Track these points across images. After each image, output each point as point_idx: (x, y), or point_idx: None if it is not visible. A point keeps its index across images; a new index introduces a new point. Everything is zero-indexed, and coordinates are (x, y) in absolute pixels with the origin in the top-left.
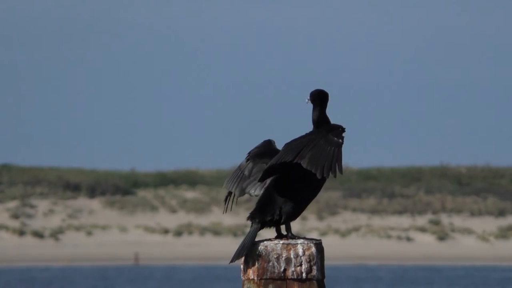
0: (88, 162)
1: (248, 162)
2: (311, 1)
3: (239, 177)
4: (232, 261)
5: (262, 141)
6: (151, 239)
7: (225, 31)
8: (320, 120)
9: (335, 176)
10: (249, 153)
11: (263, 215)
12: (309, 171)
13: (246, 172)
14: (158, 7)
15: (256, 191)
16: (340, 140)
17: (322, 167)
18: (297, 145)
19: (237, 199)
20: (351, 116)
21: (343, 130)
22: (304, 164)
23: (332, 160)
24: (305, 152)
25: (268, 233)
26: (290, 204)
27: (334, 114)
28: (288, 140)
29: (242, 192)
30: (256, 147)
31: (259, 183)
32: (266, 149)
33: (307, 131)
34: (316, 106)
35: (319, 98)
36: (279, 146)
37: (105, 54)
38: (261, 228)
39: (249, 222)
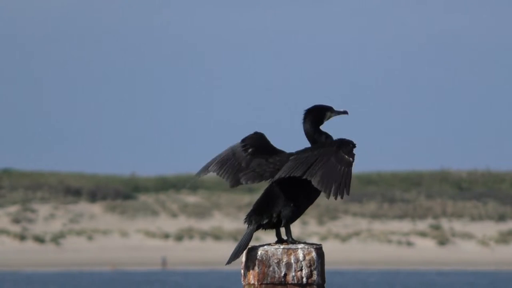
0: (89, 166)
1: (247, 153)
2: (310, 5)
3: (235, 167)
4: (228, 262)
5: (253, 132)
6: (152, 244)
7: (226, 35)
8: (309, 134)
9: (341, 198)
10: (244, 141)
11: (260, 217)
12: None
13: (243, 164)
14: (160, 12)
15: (249, 181)
16: (351, 159)
17: (330, 188)
18: (307, 159)
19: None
20: (351, 120)
21: (354, 146)
22: (314, 182)
23: (341, 181)
24: (315, 169)
25: (269, 237)
26: (289, 208)
27: (335, 119)
28: (290, 143)
29: (237, 182)
30: (251, 138)
31: (253, 175)
32: (263, 144)
33: (308, 136)
34: (305, 121)
35: (307, 113)
36: (286, 143)
37: (106, 58)
38: (257, 229)
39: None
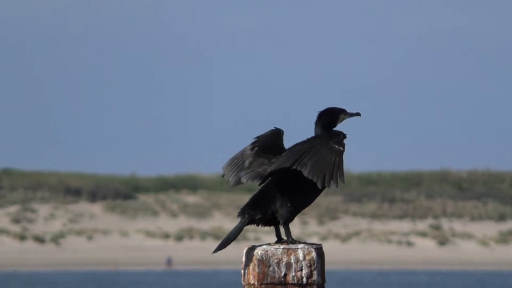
0: (89, 166)
1: (252, 153)
2: (310, 5)
3: (239, 166)
4: (214, 251)
5: (270, 129)
6: (152, 244)
7: (226, 35)
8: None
9: (336, 186)
10: (256, 139)
11: (254, 211)
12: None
13: (246, 163)
14: (160, 12)
15: (249, 180)
16: (341, 148)
17: (323, 177)
18: (298, 150)
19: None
20: (351, 120)
21: (344, 136)
22: (305, 172)
23: (334, 169)
24: (306, 159)
25: (269, 237)
26: (286, 208)
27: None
28: (290, 143)
29: (238, 182)
30: (264, 136)
31: (254, 174)
32: (272, 143)
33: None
34: (317, 123)
35: (320, 116)
36: (286, 142)
37: (106, 58)
38: (249, 223)
39: (249, 227)
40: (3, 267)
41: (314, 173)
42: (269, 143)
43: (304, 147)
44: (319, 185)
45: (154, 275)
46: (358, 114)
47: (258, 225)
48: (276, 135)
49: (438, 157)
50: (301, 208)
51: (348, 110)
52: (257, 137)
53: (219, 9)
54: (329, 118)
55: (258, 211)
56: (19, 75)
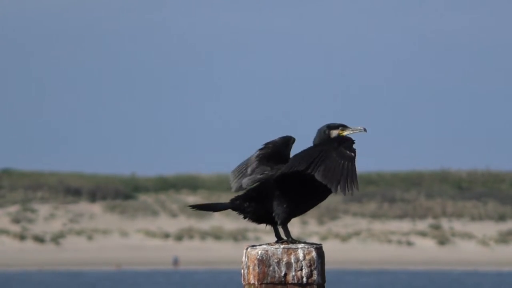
0: (89, 166)
1: (256, 160)
2: (311, 5)
3: (242, 173)
4: (192, 206)
5: (282, 136)
6: (152, 244)
7: (226, 35)
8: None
9: (351, 194)
10: (264, 145)
11: (247, 203)
12: (311, 181)
13: (249, 170)
14: (160, 12)
15: (249, 185)
16: (353, 154)
17: (337, 183)
18: (308, 154)
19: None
20: (351, 120)
21: (353, 142)
22: (318, 176)
23: (347, 176)
24: (318, 164)
25: (269, 237)
26: (282, 208)
27: (335, 119)
28: (296, 150)
29: (240, 188)
30: (272, 143)
31: (254, 179)
32: (278, 151)
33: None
34: (317, 140)
35: (320, 132)
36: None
37: (106, 58)
38: (237, 209)
39: (249, 226)
40: (3, 267)
41: (326, 178)
42: (275, 151)
43: (315, 151)
44: (333, 191)
45: (158, 275)
46: (361, 130)
47: (245, 218)
48: (285, 143)
49: (438, 157)
50: (299, 211)
51: (350, 125)
52: (266, 143)
53: (219, 9)
54: (327, 135)
55: (252, 205)
56: (19, 75)
